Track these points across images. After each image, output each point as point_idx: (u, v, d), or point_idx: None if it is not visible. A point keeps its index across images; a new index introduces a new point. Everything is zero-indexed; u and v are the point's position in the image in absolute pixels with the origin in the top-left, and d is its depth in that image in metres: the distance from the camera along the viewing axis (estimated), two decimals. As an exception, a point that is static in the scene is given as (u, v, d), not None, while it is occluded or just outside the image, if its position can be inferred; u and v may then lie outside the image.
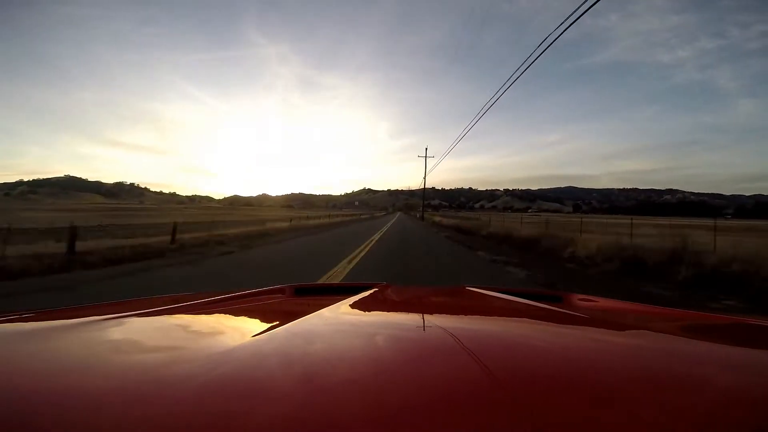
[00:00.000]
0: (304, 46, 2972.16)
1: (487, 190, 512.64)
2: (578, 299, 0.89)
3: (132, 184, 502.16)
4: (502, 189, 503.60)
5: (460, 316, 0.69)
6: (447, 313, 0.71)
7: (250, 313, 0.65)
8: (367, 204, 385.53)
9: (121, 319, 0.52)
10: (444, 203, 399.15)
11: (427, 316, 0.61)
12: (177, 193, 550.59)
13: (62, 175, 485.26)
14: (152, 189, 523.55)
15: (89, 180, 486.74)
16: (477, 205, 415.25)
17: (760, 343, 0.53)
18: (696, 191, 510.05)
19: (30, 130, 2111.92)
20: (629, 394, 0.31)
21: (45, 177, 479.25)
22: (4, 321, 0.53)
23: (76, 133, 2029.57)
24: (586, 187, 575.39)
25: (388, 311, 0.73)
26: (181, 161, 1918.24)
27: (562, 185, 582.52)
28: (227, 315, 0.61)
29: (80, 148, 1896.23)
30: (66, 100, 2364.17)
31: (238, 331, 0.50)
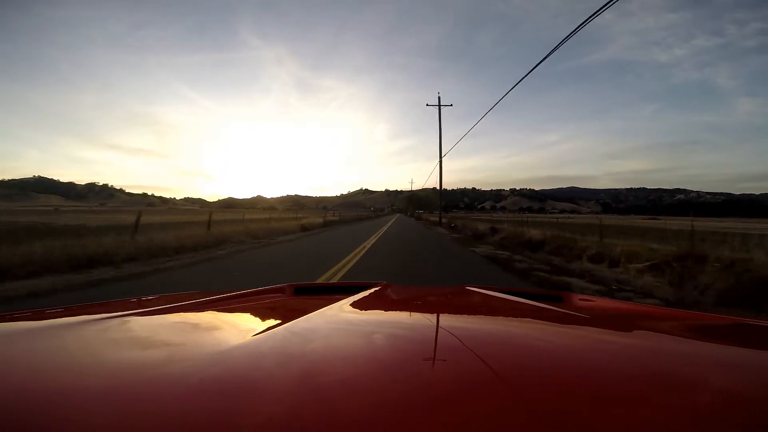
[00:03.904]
0: (300, 48, 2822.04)
1: (492, 190, 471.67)
2: (578, 299, 0.90)
3: (105, 185, 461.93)
4: (507, 189, 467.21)
5: (460, 315, 0.69)
6: (447, 312, 0.71)
7: (250, 312, 0.64)
8: (363, 205, 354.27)
9: (121, 318, 0.52)
10: (448, 205, 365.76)
11: (427, 316, 0.62)
12: (157, 195, 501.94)
13: (30, 176, 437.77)
14: (139, 192, 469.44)
15: (61, 181, 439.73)
16: (487, 206, 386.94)
17: (760, 343, 0.54)
18: (704, 191, 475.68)
19: (27, 133, 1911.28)
20: (629, 393, 0.31)
21: (10, 178, 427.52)
22: (2, 320, 0.53)
23: (74, 136, 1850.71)
24: (590, 188, 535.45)
25: (388, 310, 0.73)
26: (180, 164, 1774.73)
27: (564, 185, 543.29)
28: (226, 314, 0.61)
29: (78, 151, 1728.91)
30: (63, 103, 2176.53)
31: (237, 330, 0.50)
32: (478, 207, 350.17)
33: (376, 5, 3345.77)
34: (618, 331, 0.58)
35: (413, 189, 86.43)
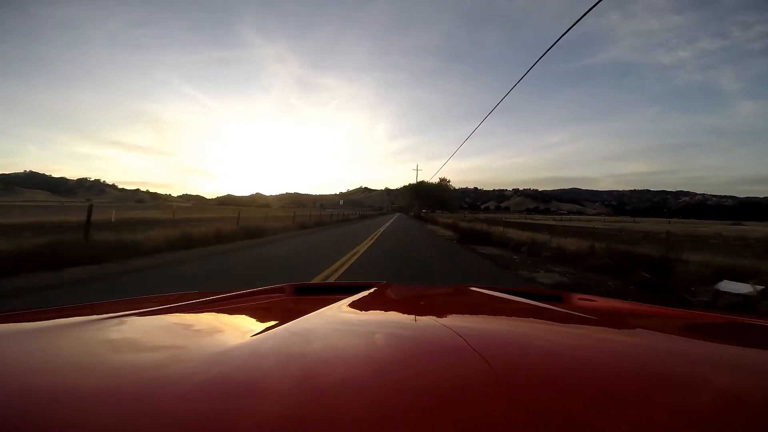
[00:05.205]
0: (301, 46, 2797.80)
1: (494, 190, 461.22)
2: (578, 299, 0.89)
3: (97, 181, 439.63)
4: (510, 189, 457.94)
5: (461, 315, 0.69)
6: (447, 311, 0.70)
7: (250, 313, 0.64)
8: (362, 204, 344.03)
9: (120, 318, 0.51)
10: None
11: (427, 315, 0.61)
12: (152, 191, 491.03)
13: (21, 171, 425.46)
14: (133, 188, 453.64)
15: (53, 176, 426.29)
16: (491, 206, 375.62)
17: (760, 343, 0.54)
18: (709, 193, 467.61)
19: (27, 131, 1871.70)
20: (629, 393, 0.31)
21: (1, 173, 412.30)
22: (2, 320, 0.52)
23: (75, 133, 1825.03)
24: (592, 189, 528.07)
25: (389, 310, 0.72)
26: (179, 161, 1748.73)
27: (566, 187, 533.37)
28: (226, 314, 0.61)
29: (78, 148, 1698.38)
30: (63, 102, 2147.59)
31: (238, 331, 0.50)
32: (482, 207, 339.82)
33: (377, 4, 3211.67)
34: (618, 330, 0.58)
35: (418, 181, 63.92)
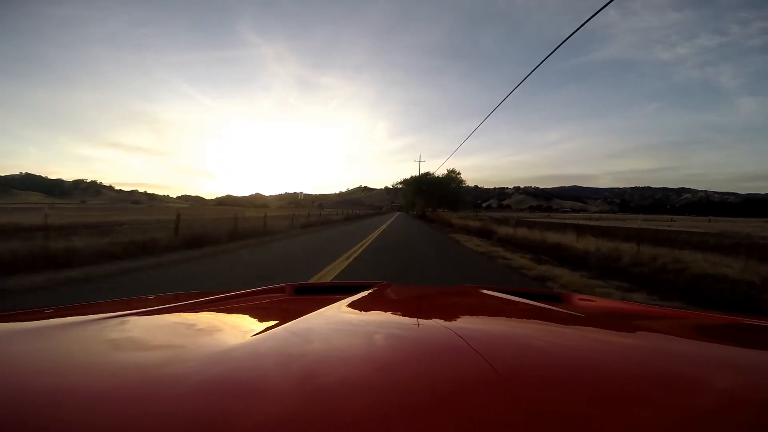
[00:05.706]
0: (301, 46, 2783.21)
1: (495, 188, 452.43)
2: (578, 299, 0.89)
3: (93, 182, 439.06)
4: (511, 187, 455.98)
5: (460, 314, 0.69)
6: (447, 311, 0.71)
7: (250, 312, 0.64)
8: (362, 203, 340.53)
9: (120, 318, 0.51)
10: (454, 201, 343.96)
11: (427, 315, 0.62)
12: (150, 192, 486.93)
13: (18, 173, 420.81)
14: (131, 189, 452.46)
15: (49, 178, 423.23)
16: (493, 204, 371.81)
17: (760, 343, 0.54)
18: (711, 190, 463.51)
19: (26, 131, 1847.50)
20: (628, 393, 0.31)
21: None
22: (2, 320, 0.53)
23: (74, 134, 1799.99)
24: (592, 186, 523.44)
25: (389, 310, 0.72)
26: (179, 162, 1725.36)
27: (567, 184, 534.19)
28: (226, 314, 0.61)
29: (78, 149, 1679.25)
30: (63, 102, 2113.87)
31: (238, 330, 0.50)
32: (484, 206, 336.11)
33: (377, 4, 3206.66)
34: (617, 331, 0.58)
35: (421, 173, 50.56)
